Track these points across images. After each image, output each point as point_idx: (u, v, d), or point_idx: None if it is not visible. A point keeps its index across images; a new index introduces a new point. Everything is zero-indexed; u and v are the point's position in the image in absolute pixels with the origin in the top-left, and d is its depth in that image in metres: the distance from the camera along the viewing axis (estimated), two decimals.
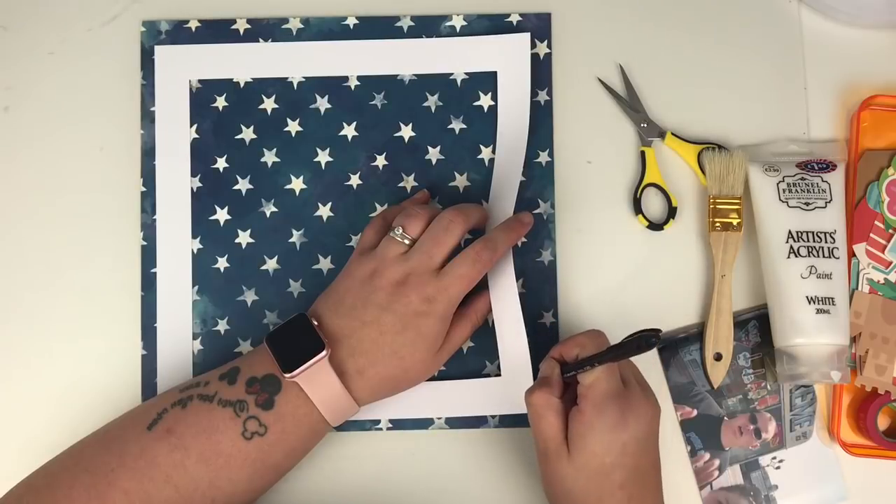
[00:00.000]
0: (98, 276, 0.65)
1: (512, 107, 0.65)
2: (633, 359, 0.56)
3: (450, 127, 0.65)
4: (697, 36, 0.67)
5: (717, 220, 0.64)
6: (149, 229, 0.64)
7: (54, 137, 0.66)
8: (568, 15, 0.67)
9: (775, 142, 0.66)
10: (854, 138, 0.66)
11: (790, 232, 0.62)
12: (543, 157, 0.65)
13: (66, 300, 0.65)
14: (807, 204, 0.62)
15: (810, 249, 0.62)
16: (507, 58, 0.65)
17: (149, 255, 0.64)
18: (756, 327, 0.65)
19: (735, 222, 0.64)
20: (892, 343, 0.63)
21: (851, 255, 0.64)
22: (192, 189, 0.65)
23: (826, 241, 0.62)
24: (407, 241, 0.58)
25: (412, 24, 0.66)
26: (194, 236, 0.64)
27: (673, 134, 0.66)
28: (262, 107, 0.65)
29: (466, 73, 0.66)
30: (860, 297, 0.64)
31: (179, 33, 0.65)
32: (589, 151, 0.66)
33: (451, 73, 0.66)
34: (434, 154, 0.65)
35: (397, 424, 0.63)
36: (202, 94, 0.65)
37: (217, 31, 0.66)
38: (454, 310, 0.58)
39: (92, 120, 0.66)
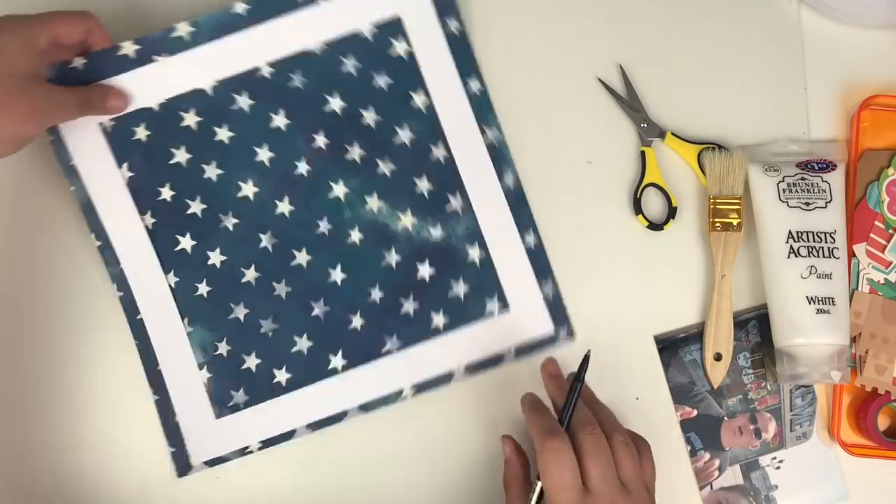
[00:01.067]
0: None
1: (430, 47, 0.64)
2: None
3: (376, 85, 0.64)
4: (697, 36, 0.67)
5: (717, 220, 0.64)
6: (119, 279, 0.62)
7: None
8: (568, 15, 0.67)
9: (775, 142, 0.66)
10: (854, 138, 0.66)
11: (790, 232, 0.62)
12: (474, 85, 0.64)
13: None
14: (807, 204, 0.62)
15: (810, 249, 0.62)
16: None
17: (129, 304, 0.62)
18: (756, 327, 0.65)
19: (735, 222, 0.64)
20: (892, 343, 0.63)
21: (851, 255, 0.64)
22: (146, 227, 0.63)
23: (826, 241, 0.62)
24: None
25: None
26: (166, 271, 0.63)
27: (673, 134, 0.66)
28: (184, 124, 0.63)
29: (375, 26, 0.63)
30: (860, 297, 0.64)
31: (66, 75, 0.60)
32: (589, 151, 0.66)
33: (360, 31, 0.63)
34: (370, 116, 0.64)
35: (420, 388, 0.62)
36: (119, 131, 0.62)
37: (106, 62, 0.61)
38: (40, 40, 0.56)
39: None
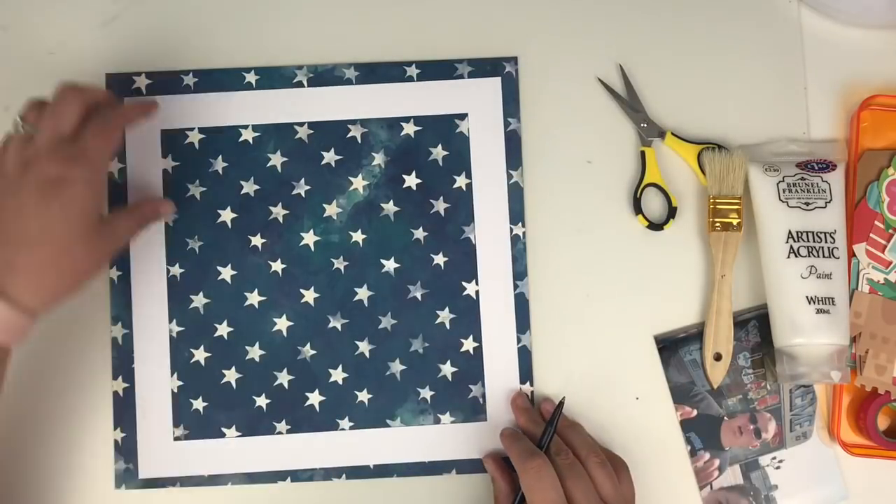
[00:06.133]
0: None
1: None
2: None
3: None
4: (697, 36, 0.67)
5: (717, 220, 0.64)
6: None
7: None
8: (568, 15, 0.67)
9: (775, 142, 0.66)
10: (854, 138, 0.66)
11: (790, 232, 0.62)
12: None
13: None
14: (807, 204, 0.62)
15: (810, 249, 0.62)
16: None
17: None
18: (756, 327, 0.65)
19: (735, 222, 0.64)
20: (892, 343, 0.63)
21: (851, 255, 0.64)
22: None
23: (826, 241, 0.62)
24: (27, 129, 0.55)
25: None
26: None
27: (673, 134, 0.66)
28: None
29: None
30: (860, 297, 0.64)
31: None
32: (589, 151, 0.66)
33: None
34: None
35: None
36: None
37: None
38: (102, 174, 0.56)
39: None
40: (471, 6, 0.67)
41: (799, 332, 0.61)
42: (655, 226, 0.65)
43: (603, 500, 0.56)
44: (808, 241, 0.62)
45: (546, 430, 0.59)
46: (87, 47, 0.67)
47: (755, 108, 0.67)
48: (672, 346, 0.65)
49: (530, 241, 0.65)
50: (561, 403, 0.60)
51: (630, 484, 0.58)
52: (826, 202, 0.62)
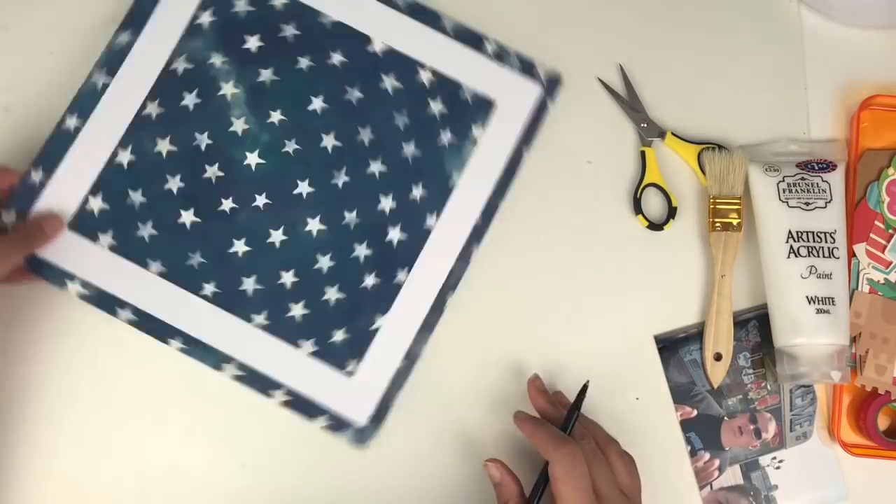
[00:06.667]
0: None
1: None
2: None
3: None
4: (697, 36, 0.67)
5: (717, 220, 0.64)
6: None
7: None
8: (568, 15, 0.67)
9: (775, 142, 0.66)
10: (854, 138, 0.66)
11: (790, 232, 0.62)
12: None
13: None
14: (807, 204, 0.62)
15: (810, 249, 0.62)
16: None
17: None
18: (756, 327, 0.65)
19: (735, 222, 0.64)
20: (892, 343, 0.63)
21: (851, 255, 0.64)
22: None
23: (826, 241, 0.62)
24: None
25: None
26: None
27: (673, 134, 0.66)
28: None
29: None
30: (860, 297, 0.64)
31: None
32: (589, 151, 0.66)
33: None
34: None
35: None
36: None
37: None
38: None
39: None
40: None
41: (799, 332, 0.61)
42: (655, 226, 0.65)
43: (620, 489, 0.56)
44: (808, 241, 0.62)
45: (570, 414, 0.58)
46: (87, 47, 0.67)
47: (755, 108, 0.67)
48: (672, 346, 0.65)
49: (530, 241, 0.65)
50: (585, 387, 0.59)
51: (638, 477, 0.58)
52: (826, 202, 0.62)
